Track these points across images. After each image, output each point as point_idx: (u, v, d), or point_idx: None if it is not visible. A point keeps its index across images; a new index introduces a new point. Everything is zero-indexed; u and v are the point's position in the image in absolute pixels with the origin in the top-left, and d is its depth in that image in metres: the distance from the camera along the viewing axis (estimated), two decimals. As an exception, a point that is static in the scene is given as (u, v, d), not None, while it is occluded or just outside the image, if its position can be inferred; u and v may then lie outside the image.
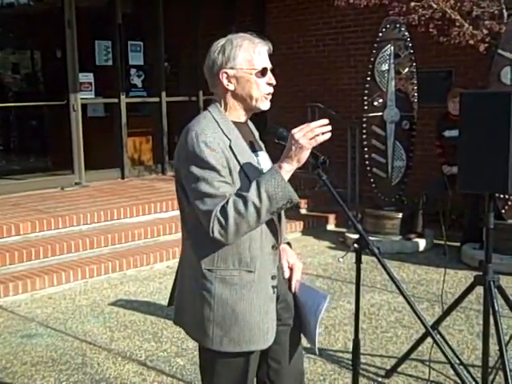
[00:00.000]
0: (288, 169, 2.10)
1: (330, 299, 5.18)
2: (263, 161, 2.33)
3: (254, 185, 2.07)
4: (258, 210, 2.05)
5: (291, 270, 2.46)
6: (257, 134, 2.43)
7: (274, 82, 2.27)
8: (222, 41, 2.24)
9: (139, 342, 4.43)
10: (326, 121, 2.10)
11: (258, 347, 2.26)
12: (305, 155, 2.10)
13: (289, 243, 2.54)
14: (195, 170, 2.11)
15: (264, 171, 2.27)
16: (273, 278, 2.30)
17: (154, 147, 9.40)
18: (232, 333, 2.20)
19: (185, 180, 2.17)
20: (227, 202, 2.06)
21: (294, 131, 2.09)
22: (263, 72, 2.23)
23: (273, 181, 2.06)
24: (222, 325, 2.19)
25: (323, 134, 2.09)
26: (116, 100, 8.51)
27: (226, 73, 2.21)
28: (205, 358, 2.31)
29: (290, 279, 2.45)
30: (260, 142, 2.42)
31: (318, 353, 2.59)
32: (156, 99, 9.00)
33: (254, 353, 2.28)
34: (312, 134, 2.08)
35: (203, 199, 2.09)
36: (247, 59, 2.21)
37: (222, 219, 2.05)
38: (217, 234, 2.07)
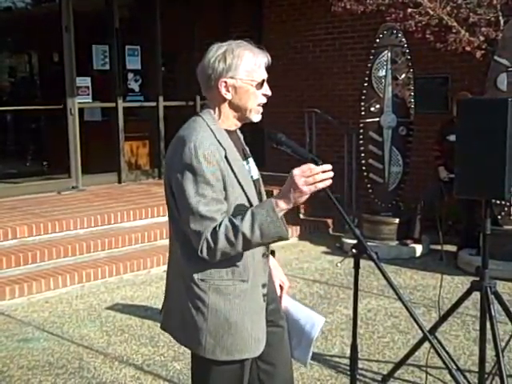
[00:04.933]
0: (284, 207, 2.09)
1: (327, 304, 5.21)
2: (252, 167, 2.35)
3: (248, 216, 2.07)
4: (247, 242, 2.08)
5: (281, 287, 2.57)
6: (242, 139, 2.41)
7: (269, 93, 2.28)
8: (221, 48, 2.21)
9: (136, 346, 4.42)
10: (330, 166, 2.06)
11: (251, 355, 2.27)
12: (303, 199, 2.09)
13: (273, 252, 2.53)
14: (189, 184, 2.10)
15: (254, 178, 2.30)
16: (263, 286, 2.31)
17: (151, 151, 9.39)
18: (224, 342, 2.20)
19: (177, 191, 2.16)
20: (219, 226, 2.08)
21: (295, 173, 2.05)
22: (261, 83, 2.24)
23: (268, 218, 2.06)
24: (214, 334, 2.19)
25: (324, 180, 2.05)
26: (113, 104, 8.51)
27: (225, 82, 2.20)
28: (198, 365, 2.30)
29: (280, 296, 2.55)
30: (247, 148, 2.42)
31: (308, 367, 2.66)
32: (153, 104, 9.01)
33: (248, 359, 2.29)
34: (313, 180, 2.04)
35: (194, 217, 2.10)
36: (247, 70, 2.20)
37: (211, 243, 2.08)
38: (205, 255, 2.11)
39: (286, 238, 2.15)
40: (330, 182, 2.07)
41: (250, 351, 2.25)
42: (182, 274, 2.24)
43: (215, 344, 2.20)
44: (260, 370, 2.44)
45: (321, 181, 2.05)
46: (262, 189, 2.43)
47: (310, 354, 2.49)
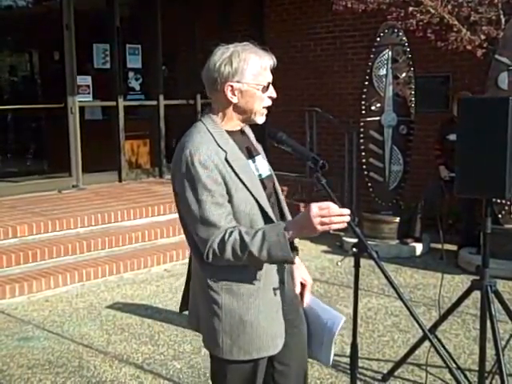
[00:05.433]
0: (293, 236, 2.10)
1: (328, 304, 5.20)
2: (260, 165, 2.33)
3: (259, 236, 2.08)
4: (253, 259, 2.10)
5: (303, 285, 2.52)
6: (253, 138, 2.42)
7: (274, 95, 2.28)
8: (226, 51, 2.20)
9: (136, 345, 4.42)
10: (348, 211, 2.05)
11: (269, 353, 2.27)
12: (314, 235, 2.10)
13: (295, 249, 2.55)
14: (189, 191, 2.12)
15: (262, 176, 2.29)
16: (279, 283, 2.30)
17: (152, 150, 9.39)
18: (241, 341, 2.21)
19: (179, 199, 2.19)
20: (229, 237, 2.09)
21: (313, 211, 2.02)
22: (267, 86, 2.24)
23: (278, 243, 2.07)
24: (230, 334, 2.20)
25: (339, 222, 2.04)
26: (114, 103, 8.51)
27: (231, 86, 2.19)
28: (216, 366, 2.31)
29: (301, 294, 2.52)
30: (257, 145, 2.41)
31: (331, 364, 2.65)
32: (154, 102, 9.00)
33: (264, 358, 2.29)
34: (329, 221, 2.02)
35: (197, 224, 2.13)
36: (253, 74, 2.19)
37: (217, 252, 2.11)
38: (211, 261, 2.14)
39: (292, 263, 2.17)
40: (344, 225, 2.05)
41: (267, 349, 2.25)
42: (197, 276, 2.28)
43: (232, 344, 2.20)
44: (275, 371, 2.42)
45: (336, 222, 2.04)
46: (277, 185, 2.42)
47: (333, 353, 2.49)
